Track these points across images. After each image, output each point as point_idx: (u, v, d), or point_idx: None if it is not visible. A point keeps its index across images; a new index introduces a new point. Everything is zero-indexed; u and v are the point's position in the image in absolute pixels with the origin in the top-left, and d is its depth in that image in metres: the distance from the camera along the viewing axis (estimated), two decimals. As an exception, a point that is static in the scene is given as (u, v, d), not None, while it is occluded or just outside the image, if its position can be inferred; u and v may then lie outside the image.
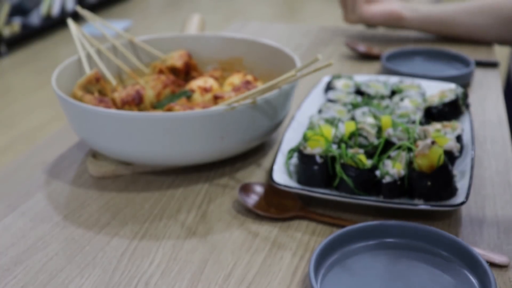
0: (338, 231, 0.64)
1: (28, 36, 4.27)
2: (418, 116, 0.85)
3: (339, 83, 1.00)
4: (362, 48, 1.31)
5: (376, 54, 1.29)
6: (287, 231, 0.70)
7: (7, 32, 4.02)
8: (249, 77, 0.95)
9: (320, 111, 0.91)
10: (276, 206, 0.73)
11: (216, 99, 0.83)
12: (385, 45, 1.38)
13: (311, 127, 0.84)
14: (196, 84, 0.93)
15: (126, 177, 0.83)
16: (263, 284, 0.61)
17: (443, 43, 1.36)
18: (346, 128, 0.79)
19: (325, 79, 1.03)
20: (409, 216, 0.71)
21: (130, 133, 0.75)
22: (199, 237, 0.70)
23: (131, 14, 5.04)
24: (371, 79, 1.01)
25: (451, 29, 1.36)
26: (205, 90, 0.92)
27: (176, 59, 0.98)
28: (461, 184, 0.71)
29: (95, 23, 1.01)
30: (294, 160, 0.79)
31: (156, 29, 4.50)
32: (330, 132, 0.78)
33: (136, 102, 0.87)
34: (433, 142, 0.70)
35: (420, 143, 0.71)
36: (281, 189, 0.73)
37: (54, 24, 4.46)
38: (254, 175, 0.83)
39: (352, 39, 1.42)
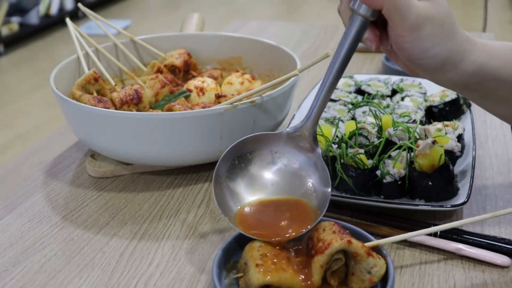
0: None
1: (27, 35, 4.27)
2: (419, 115, 0.85)
3: (339, 82, 0.99)
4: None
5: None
6: (287, 231, 0.69)
7: (5, 31, 4.01)
8: (247, 76, 0.94)
9: (320, 111, 0.90)
10: (276, 206, 0.72)
11: (219, 98, 0.82)
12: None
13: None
14: (193, 84, 0.93)
15: (125, 177, 0.83)
16: (263, 285, 0.61)
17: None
18: (346, 127, 0.79)
19: (325, 79, 1.03)
20: (410, 216, 0.71)
21: (129, 133, 0.74)
22: (199, 237, 0.69)
23: (130, 13, 5.03)
24: (372, 78, 1.01)
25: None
26: (202, 90, 0.92)
27: (176, 57, 0.98)
28: (462, 184, 0.71)
29: (97, 21, 1.00)
30: (294, 160, 0.78)
31: (155, 29, 4.50)
32: (330, 131, 0.77)
33: (135, 102, 0.86)
34: (434, 142, 0.70)
35: (421, 143, 0.71)
36: (281, 189, 0.73)
37: (53, 24, 4.46)
38: (254, 175, 0.82)
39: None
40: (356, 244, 0.55)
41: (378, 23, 0.61)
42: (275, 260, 0.55)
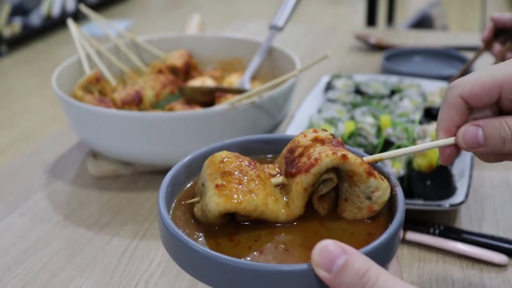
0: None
1: (29, 36, 4.27)
2: (418, 115, 0.85)
3: (338, 83, 1.00)
4: (372, 40, 1.36)
5: (386, 45, 1.34)
6: (287, 230, 0.70)
7: (7, 32, 4.02)
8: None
9: (319, 111, 0.91)
10: (276, 205, 0.72)
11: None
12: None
13: (310, 126, 0.85)
14: (193, 84, 0.93)
15: (126, 177, 0.83)
16: (262, 283, 0.61)
17: (443, 42, 1.36)
18: (345, 127, 0.79)
19: (325, 79, 1.03)
20: (408, 215, 0.71)
21: (130, 133, 0.75)
22: (199, 236, 0.70)
23: (132, 14, 5.04)
24: (371, 78, 1.01)
25: None
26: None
27: (176, 58, 0.99)
28: (461, 184, 0.71)
29: (98, 22, 1.01)
30: (294, 159, 0.79)
31: (156, 29, 4.50)
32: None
33: (136, 102, 0.87)
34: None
35: (420, 143, 0.71)
36: (281, 188, 0.73)
37: (55, 25, 4.46)
38: (254, 175, 0.82)
39: (351, 41, 1.42)
40: (354, 160, 0.40)
41: None
42: (243, 180, 0.40)
